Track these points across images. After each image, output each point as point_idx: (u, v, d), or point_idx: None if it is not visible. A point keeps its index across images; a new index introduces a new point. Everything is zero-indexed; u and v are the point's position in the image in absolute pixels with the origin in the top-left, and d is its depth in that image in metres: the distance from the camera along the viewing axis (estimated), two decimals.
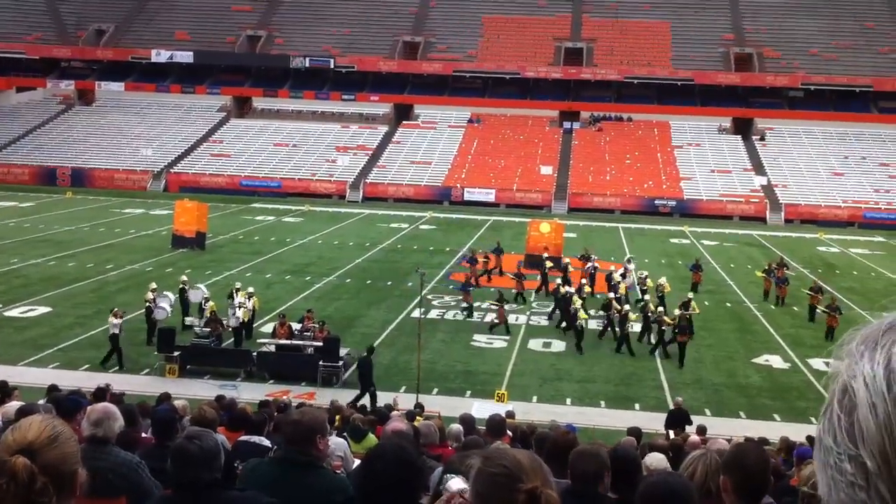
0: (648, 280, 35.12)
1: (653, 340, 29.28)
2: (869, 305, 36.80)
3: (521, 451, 2.23)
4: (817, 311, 32.83)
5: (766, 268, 38.43)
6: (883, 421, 0.75)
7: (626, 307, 29.74)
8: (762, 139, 76.12)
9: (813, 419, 23.35)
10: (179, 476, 4.14)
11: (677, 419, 20.83)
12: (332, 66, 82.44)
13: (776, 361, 28.58)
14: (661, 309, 30.11)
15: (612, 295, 31.35)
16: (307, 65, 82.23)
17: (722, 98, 79.09)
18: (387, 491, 3.41)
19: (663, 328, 28.71)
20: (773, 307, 35.65)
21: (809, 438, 14.64)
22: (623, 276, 35.54)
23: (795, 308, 35.31)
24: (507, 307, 31.60)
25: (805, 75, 78.70)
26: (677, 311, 29.40)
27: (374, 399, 22.69)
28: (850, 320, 32.04)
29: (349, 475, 5.38)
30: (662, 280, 34.94)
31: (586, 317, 29.40)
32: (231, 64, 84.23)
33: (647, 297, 32.37)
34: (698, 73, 79.67)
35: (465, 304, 33.05)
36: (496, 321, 30.78)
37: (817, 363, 28.26)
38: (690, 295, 32.14)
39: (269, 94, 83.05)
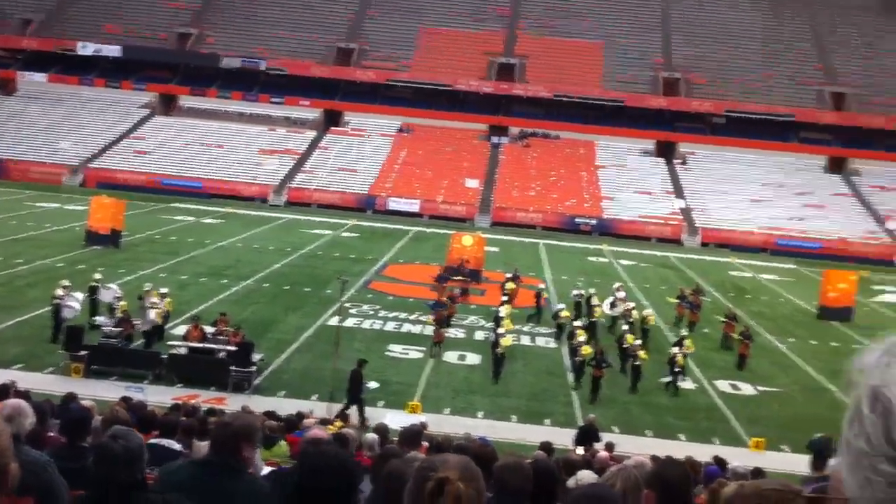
0: (634, 311, 33.95)
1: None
2: (777, 330, 37.83)
3: (463, 456, 2.27)
4: (732, 337, 33.31)
5: (680, 294, 38.62)
6: None
7: (581, 338, 28.41)
8: (684, 163, 77.71)
9: (716, 440, 23.87)
10: (101, 476, 4.02)
11: (587, 436, 21.05)
12: (262, 68, 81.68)
13: (684, 383, 29.08)
14: (637, 342, 28.79)
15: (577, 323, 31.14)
16: (237, 65, 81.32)
17: (648, 121, 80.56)
18: (326, 497, 3.39)
19: (637, 363, 27.60)
20: (683, 332, 35.98)
21: (716, 459, 14.96)
22: (612, 304, 34.95)
23: (706, 330, 35.99)
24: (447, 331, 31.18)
25: (729, 102, 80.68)
26: (674, 349, 28.38)
27: (361, 411, 22.57)
28: (760, 346, 32.99)
29: (277, 480, 5.31)
30: (647, 312, 34.30)
31: (510, 343, 28.58)
32: (159, 60, 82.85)
33: (625, 327, 30.82)
34: (627, 95, 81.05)
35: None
36: (435, 341, 29.89)
37: (724, 385, 28.90)
38: (685, 332, 30.64)
39: (197, 93, 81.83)
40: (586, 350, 27.32)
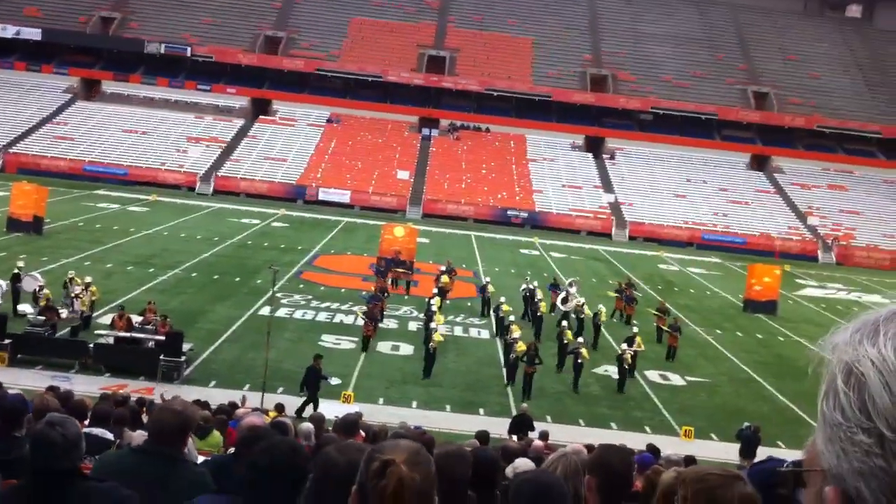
0: (586, 307, 33.51)
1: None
2: (705, 323, 38.50)
3: (416, 443, 2.24)
4: (663, 329, 33.64)
5: (618, 287, 38.67)
6: None
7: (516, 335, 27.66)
8: (612, 158, 78.64)
9: (648, 429, 24.17)
10: (38, 465, 3.86)
11: (520, 425, 21.10)
12: (188, 54, 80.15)
13: (615, 372, 29.34)
14: (580, 339, 28.40)
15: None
16: (162, 51, 79.63)
17: (577, 116, 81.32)
18: (274, 485, 3.37)
19: (579, 361, 27.06)
20: (614, 321, 36.37)
21: (650, 447, 15.07)
22: (564, 300, 34.56)
23: (635, 322, 36.24)
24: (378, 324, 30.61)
25: (656, 99, 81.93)
26: (623, 346, 27.98)
27: (304, 406, 22.14)
28: (688, 338, 33.50)
29: (218, 469, 5.19)
30: (600, 307, 33.63)
31: (441, 339, 27.87)
32: (81, 45, 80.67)
33: (564, 323, 30.21)
34: (556, 90, 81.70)
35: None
36: (365, 334, 29.33)
37: (654, 376, 29.27)
38: (636, 329, 30.35)
39: (121, 79, 79.85)
40: (521, 346, 26.59)
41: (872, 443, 0.87)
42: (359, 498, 2.11)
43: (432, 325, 28.12)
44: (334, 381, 24.24)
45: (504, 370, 27.80)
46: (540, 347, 27.45)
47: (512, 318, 30.64)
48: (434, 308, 30.41)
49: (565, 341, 28.45)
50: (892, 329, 0.92)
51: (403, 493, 2.05)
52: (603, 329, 32.77)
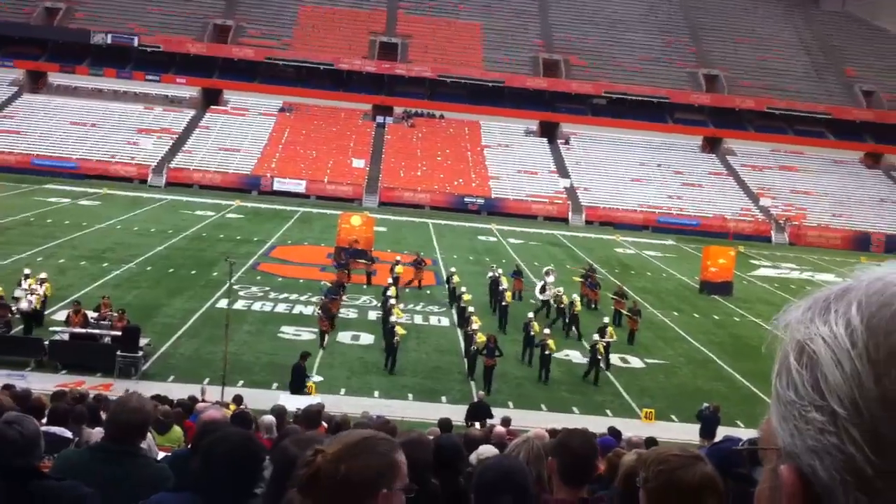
0: (564, 297, 33.08)
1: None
2: (662, 305, 38.87)
3: (365, 430, 2.20)
4: (622, 313, 33.78)
5: (583, 273, 38.35)
6: (850, 374, 0.87)
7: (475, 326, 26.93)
8: (567, 143, 78.99)
9: (609, 412, 24.41)
10: None
11: (477, 413, 21.18)
12: (136, 44, 78.99)
13: (576, 356, 29.59)
14: (546, 331, 27.60)
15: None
16: (109, 41, 78.39)
17: (530, 101, 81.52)
18: (227, 477, 3.35)
19: (547, 353, 26.55)
20: (605, 319, 35.48)
21: (611, 430, 15.22)
22: (543, 289, 34.39)
23: (595, 307, 36.55)
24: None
25: (608, 84, 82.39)
26: (595, 337, 27.44)
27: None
28: (646, 320, 33.77)
29: (175, 463, 5.18)
30: (575, 297, 33.38)
31: (404, 332, 27.28)
32: (26, 36, 79.15)
33: (530, 314, 29.28)
34: (508, 76, 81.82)
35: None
36: (322, 329, 28.54)
37: (614, 359, 29.42)
38: (606, 319, 30.26)
39: (67, 70, 78.52)
40: (481, 338, 25.99)
41: (825, 420, 0.89)
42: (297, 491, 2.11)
43: (392, 318, 27.68)
44: (317, 377, 24.10)
45: (465, 361, 27.46)
46: (502, 339, 27.37)
47: (472, 308, 29.99)
48: (392, 301, 29.58)
49: (532, 333, 27.75)
50: (842, 307, 0.93)
51: (317, 483, 2.04)
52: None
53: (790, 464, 0.94)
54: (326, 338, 28.22)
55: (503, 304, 32.28)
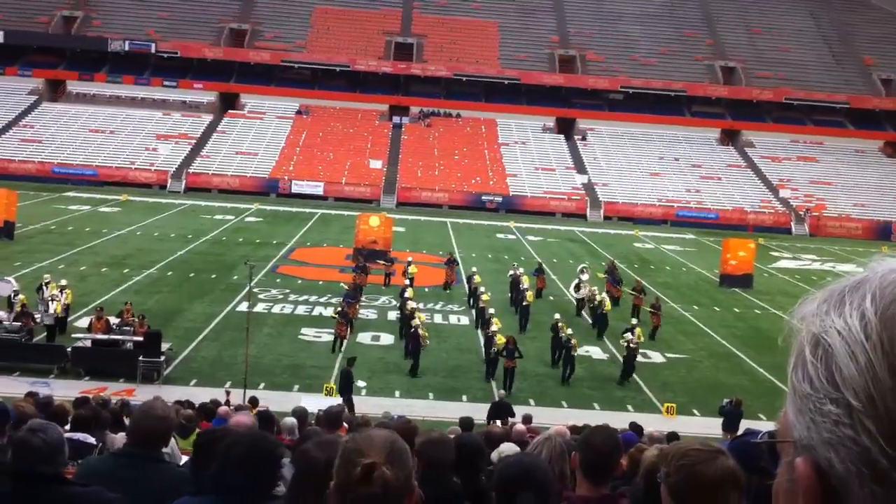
0: (598, 296, 32.46)
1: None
2: (682, 299, 38.70)
3: (385, 431, 2.20)
4: (641, 309, 33.24)
5: (607, 269, 37.97)
6: (865, 366, 0.88)
7: (495, 328, 26.74)
8: (584, 139, 78.80)
9: (630, 407, 24.34)
10: (21, 471, 3.85)
11: (499, 411, 21.15)
12: (153, 50, 79.48)
13: (596, 353, 29.52)
14: (569, 331, 27.09)
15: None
16: (126, 48, 78.92)
17: (546, 98, 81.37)
18: (245, 478, 3.36)
19: (573, 353, 26.28)
20: (633, 321, 34.57)
21: (633, 425, 15.17)
22: (577, 287, 34.14)
23: (617, 303, 36.35)
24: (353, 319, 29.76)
25: (625, 78, 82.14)
26: (629, 336, 26.74)
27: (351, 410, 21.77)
28: (666, 315, 33.56)
29: (197, 466, 5.21)
30: (605, 296, 32.95)
31: (427, 335, 26.91)
32: (44, 45, 79.78)
33: (557, 315, 28.91)
34: (524, 73, 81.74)
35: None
36: (339, 334, 28.32)
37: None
38: (634, 321, 29.74)
39: (85, 78, 79.10)
40: (500, 339, 25.69)
41: (841, 413, 0.89)
42: (338, 499, 2.09)
43: (415, 321, 27.19)
44: (360, 383, 23.91)
45: (484, 364, 27.00)
46: (521, 339, 27.23)
47: (492, 310, 29.45)
48: (411, 304, 29.25)
49: (561, 335, 27.09)
50: (857, 298, 0.93)
51: (389, 497, 2.06)
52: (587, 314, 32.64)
53: (806, 456, 0.94)
54: (345, 343, 28.04)
55: (524, 303, 31.82)
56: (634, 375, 27.27)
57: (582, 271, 35.78)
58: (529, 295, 32.38)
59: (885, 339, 0.88)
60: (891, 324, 0.89)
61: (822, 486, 0.92)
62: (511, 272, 36.02)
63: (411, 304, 29.20)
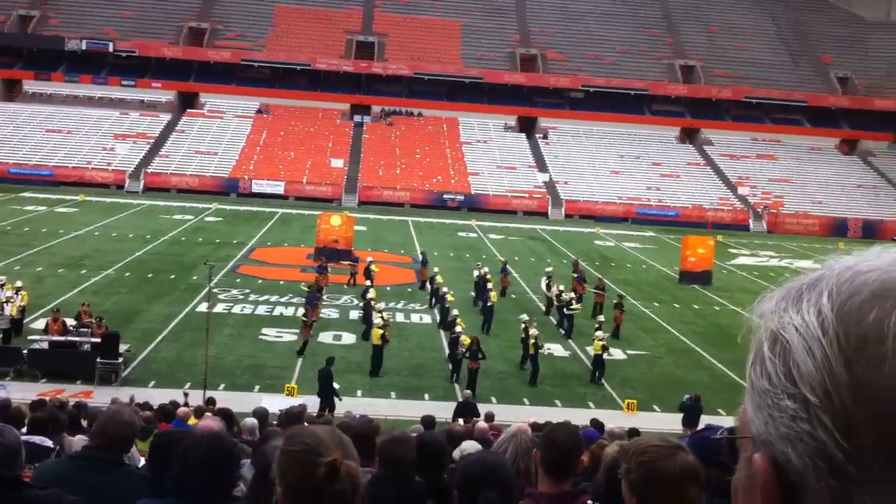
0: (564, 295, 32.45)
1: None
2: (641, 296, 38.97)
3: (322, 426, 2.18)
4: (604, 306, 33.25)
5: (574, 267, 37.82)
6: (821, 361, 0.90)
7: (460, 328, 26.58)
8: (545, 137, 79.10)
9: (591, 403, 24.46)
10: None
11: (464, 411, 21.14)
12: (111, 49, 78.52)
13: (557, 350, 29.62)
14: (535, 332, 26.60)
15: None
16: (84, 48, 77.89)
17: (508, 97, 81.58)
18: (204, 480, 3.35)
19: (539, 351, 26.22)
20: (601, 318, 34.52)
21: (594, 421, 15.23)
22: (549, 286, 33.91)
23: (580, 300, 36.39)
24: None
25: (586, 77, 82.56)
26: (599, 334, 26.84)
27: (329, 410, 21.46)
28: (627, 312, 33.57)
29: (155, 466, 5.16)
30: (571, 295, 32.84)
31: (387, 334, 26.51)
32: (0, 44, 78.45)
33: (524, 316, 28.71)
34: (486, 72, 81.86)
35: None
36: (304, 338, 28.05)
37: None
38: (602, 318, 29.83)
39: (42, 78, 77.97)
40: (466, 340, 25.57)
41: (798, 408, 0.91)
42: (291, 499, 2.04)
43: (376, 320, 26.95)
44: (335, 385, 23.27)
45: (448, 363, 26.91)
46: (485, 339, 27.23)
47: (456, 311, 29.24)
48: (374, 304, 29.07)
49: (531, 339, 26.70)
50: (814, 295, 0.94)
51: (355, 490, 2.05)
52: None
53: (764, 452, 0.95)
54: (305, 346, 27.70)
55: (489, 304, 31.66)
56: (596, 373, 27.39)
57: (549, 276, 35.54)
58: (494, 295, 32.27)
59: (842, 335, 0.90)
60: (847, 320, 0.90)
61: (780, 481, 0.94)
62: (476, 272, 35.84)
63: (376, 306, 28.88)
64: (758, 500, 0.96)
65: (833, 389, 0.89)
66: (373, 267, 35.54)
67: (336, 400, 22.33)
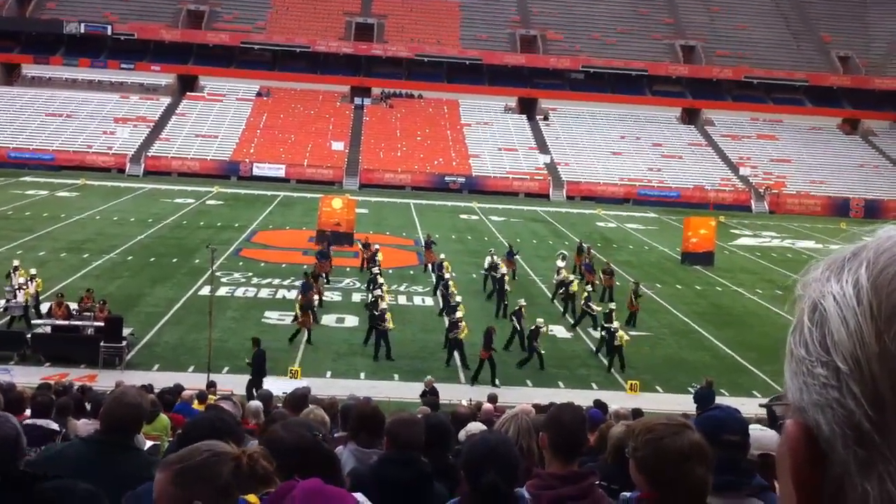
0: (574, 283, 31.96)
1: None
2: (645, 277, 38.90)
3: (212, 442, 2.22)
4: (613, 290, 33.03)
5: (581, 251, 37.68)
6: (854, 330, 0.91)
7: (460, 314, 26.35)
8: (546, 119, 78.91)
9: (594, 385, 24.52)
10: None
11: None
12: (110, 32, 78.26)
13: (559, 331, 29.67)
14: (539, 320, 26.46)
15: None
16: (82, 31, 77.60)
17: (508, 78, 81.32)
18: None
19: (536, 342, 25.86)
20: (612, 305, 33.76)
21: (597, 402, 15.28)
22: (558, 272, 33.51)
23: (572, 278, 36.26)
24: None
25: (586, 58, 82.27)
26: (616, 323, 26.33)
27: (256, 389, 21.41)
28: (628, 292, 33.42)
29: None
30: (572, 278, 32.54)
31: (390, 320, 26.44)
32: None
33: (521, 301, 28.09)
34: (486, 53, 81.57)
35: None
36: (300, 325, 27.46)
37: (597, 333, 29.38)
38: (613, 305, 28.78)
39: (41, 62, 77.77)
40: (464, 329, 25.48)
41: (829, 375, 0.92)
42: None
43: (382, 305, 26.66)
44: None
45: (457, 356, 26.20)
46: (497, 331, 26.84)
47: (459, 298, 28.75)
48: (382, 290, 28.69)
49: (523, 322, 26.66)
50: (854, 265, 0.95)
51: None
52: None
53: (796, 418, 0.96)
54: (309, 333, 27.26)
55: (505, 289, 31.33)
56: (599, 354, 27.45)
57: (561, 258, 35.30)
58: (509, 280, 31.97)
59: (875, 306, 0.91)
60: (881, 291, 0.91)
61: (810, 447, 0.95)
62: (488, 259, 34.54)
63: (379, 292, 28.49)
64: (787, 464, 0.97)
65: (863, 359, 0.90)
66: (379, 254, 34.93)
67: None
